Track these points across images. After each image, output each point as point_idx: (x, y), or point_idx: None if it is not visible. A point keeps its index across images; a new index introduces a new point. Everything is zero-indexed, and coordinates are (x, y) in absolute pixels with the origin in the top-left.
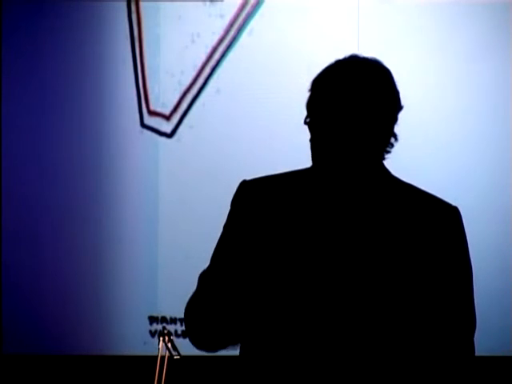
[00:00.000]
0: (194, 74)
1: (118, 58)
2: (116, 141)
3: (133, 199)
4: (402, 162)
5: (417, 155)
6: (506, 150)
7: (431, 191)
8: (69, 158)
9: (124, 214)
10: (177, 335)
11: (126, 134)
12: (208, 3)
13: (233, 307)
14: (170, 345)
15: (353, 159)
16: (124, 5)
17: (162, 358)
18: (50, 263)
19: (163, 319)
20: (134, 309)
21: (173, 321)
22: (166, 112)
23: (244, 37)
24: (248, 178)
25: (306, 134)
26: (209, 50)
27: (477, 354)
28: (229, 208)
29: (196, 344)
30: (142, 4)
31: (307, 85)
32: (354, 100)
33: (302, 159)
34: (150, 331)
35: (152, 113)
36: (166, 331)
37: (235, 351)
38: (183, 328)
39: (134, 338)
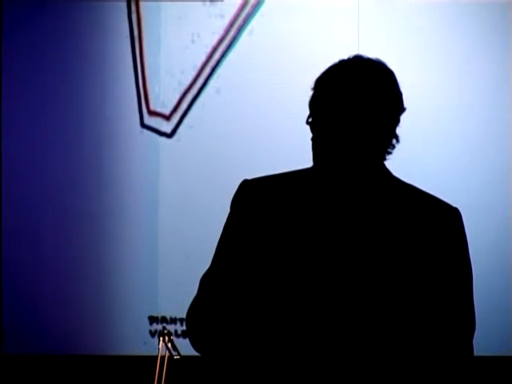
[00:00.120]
0: (193, 73)
1: (118, 57)
2: (116, 141)
3: (133, 199)
4: (401, 162)
5: (416, 155)
6: (505, 151)
7: (431, 192)
8: (69, 158)
9: (124, 213)
10: (177, 335)
11: (126, 134)
12: (208, 3)
13: (235, 309)
14: (169, 345)
15: (354, 159)
16: (124, 5)
17: (162, 358)
18: (51, 263)
19: (163, 319)
20: (134, 309)
21: (173, 321)
22: (166, 112)
23: (244, 37)
24: (248, 177)
25: (306, 134)
26: (209, 49)
27: (477, 353)
28: (229, 208)
29: (198, 349)
30: (141, 4)
31: (307, 84)
32: (357, 100)
33: (303, 159)
34: (150, 331)
35: (152, 113)
36: (166, 331)
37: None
38: (183, 328)
39: (134, 338)
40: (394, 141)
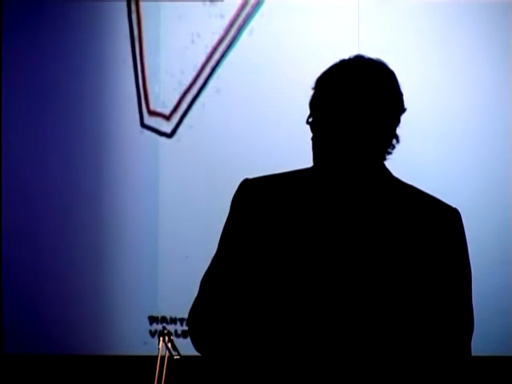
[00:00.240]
0: (193, 73)
1: (118, 57)
2: (116, 141)
3: (133, 199)
4: (401, 163)
5: (416, 155)
6: (506, 151)
7: (431, 192)
8: (69, 158)
9: (124, 213)
10: (177, 335)
11: (126, 134)
12: (208, 3)
13: (235, 309)
14: (170, 345)
15: (354, 159)
16: (124, 5)
17: (162, 358)
18: (50, 263)
19: (163, 319)
20: (134, 309)
21: (173, 321)
22: (166, 112)
23: (244, 37)
24: (249, 177)
25: (306, 133)
26: (209, 49)
27: (477, 354)
28: (229, 208)
29: (200, 349)
30: (141, 4)
31: (307, 84)
32: (358, 101)
33: (303, 159)
34: (150, 331)
35: (152, 113)
36: (166, 331)
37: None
38: (183, 328)
39: (134, 338)
40: (394, 141)
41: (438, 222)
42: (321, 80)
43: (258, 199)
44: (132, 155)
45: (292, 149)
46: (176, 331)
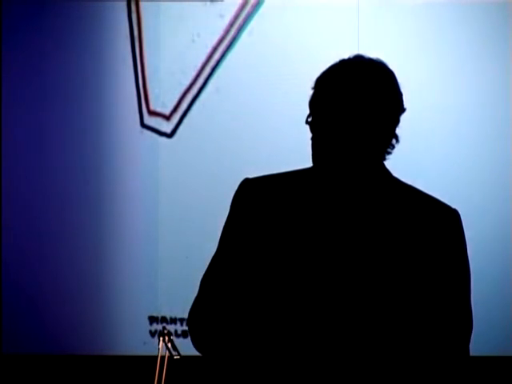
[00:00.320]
0: (194, 73)
1: (118, 57)
2: (116, 141)
3: (133, 199)
4: (401, 163)
5: (416, 156)
6: (505, 151)
7: (431, 192)
8: (69, 158)
9: (124, 213)
10: (177, 335)
11: (126, 134)
12: (208, 3)
13: (235, 308)
14: (170, 345)
15: (353, 159)
16: (124, 5)
17: (162, 357)
18: (50, 263)
19: (163, 319)
20: (134, 309)
21: (173, 321)
22: (166, 112)
23: (244, 37)
24: (249, 176)
25: (306, 133)
26: (209, 50)
27: (477, 354)
28: (229, 208)
29: (200, 349)
30: (142, 4)
31: (307, 84)
32: (357, 100)
33: (303, 159)
34: (150, 331)
35: (152, 113)
36: (166, 331)
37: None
38: (183, 328)
39: (134, 338)
40: (394, 141)
41: (437, 223)
42: (320, 80)
43: (258, 199)
44: (132, 155)
45: (292, 149)
46: (176, 331)
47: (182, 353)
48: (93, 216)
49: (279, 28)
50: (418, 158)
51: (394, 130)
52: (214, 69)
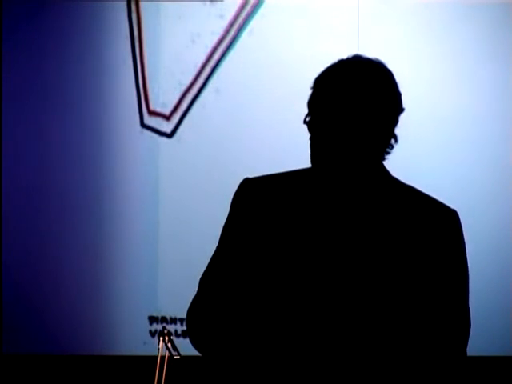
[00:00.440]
0: (194, 73)
1: (118, 57)
2: (116, 141)
3: (133, 199)
4: (401, 163)
5: (416, 156)
6: (506, 152)
7: (430, 193)
8: (69, 158)
9: (124, 214)
10: (177, 335)
11: (125, 134)
12: (208, 3)
13: (234, 307)
14: (170, 345)
15: (352, 159)
16: (124, 5)
17: (162, 357)
18: (50, 263)
19: (163, 319)
20: (134, 309)
21: (173, 321)
22: (166, 112)
23: (244, 37)
24: (249, 176)
25: (306, 133)
26: (209, 50)
27: (477, 354)
28: (229, 208)
29: (198, 348)
30: (142, 4)
31: (307, 85)
32: (356, 100)
33: (304, 159)
34: (150, 331)
35: (152, 113)
36: (165, 331)
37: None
38: (183, 328)
39: (134, 338)
40: (393, 141)
41: (435, 223)
42: (319, 80)
43: (257, 198)
44: (132, 155)
45: (292, 149)
46: (176, 331)
47: (182, 353)
48: (93, 216)
49: (279, 28)
50: (417, 157)
51: (393, 130)
52: (213, 69)
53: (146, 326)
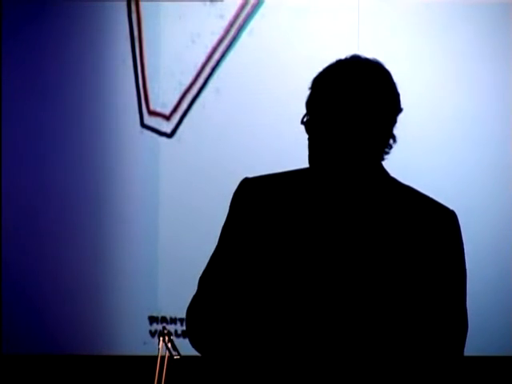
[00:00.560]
0: (194, 73)
1: (118, 58)
2: (116, 141)
3: (133, 199)
4: (400, 163)
5: (415, 156)
6: (505, 152)
7: (430, 193)
8: (69, 158)
9: (124, 214)
10: (177, 335)
11: (126, 134)
12: (208, 3)
13: (233, 307)
14: (170, 345)
15: (351, 160)
16: (124, 5)
17: (162, 357)
18: (51, 263)
19: (163, 319)
20: (134, 309)
21: (173, 321)
22: (166, 112)
23: (244, 37)
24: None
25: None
26: (209, 50)
27: (477, 354)
28: (229, 208)
29: (197, 347)
30: (142, 4)
31: (307, 85)
32: (354, 101)
33: (303, 159)
34: (150, 331)
35: (152, 113)
36: (165, 331)
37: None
38: (183, 328)
39: (134, 338)
40: (391, 141)
41: (434, 224)
42: (317, 80)
43: (257, 198)
44: (132, 155)
45: (292, 149)
46: (176, 331)
47: (182, 353)
48: (93, 216)
49: (279, 28)
50: (417, 157)
51: (392, 130)
52: (213, 69)
53: (146, 326)
